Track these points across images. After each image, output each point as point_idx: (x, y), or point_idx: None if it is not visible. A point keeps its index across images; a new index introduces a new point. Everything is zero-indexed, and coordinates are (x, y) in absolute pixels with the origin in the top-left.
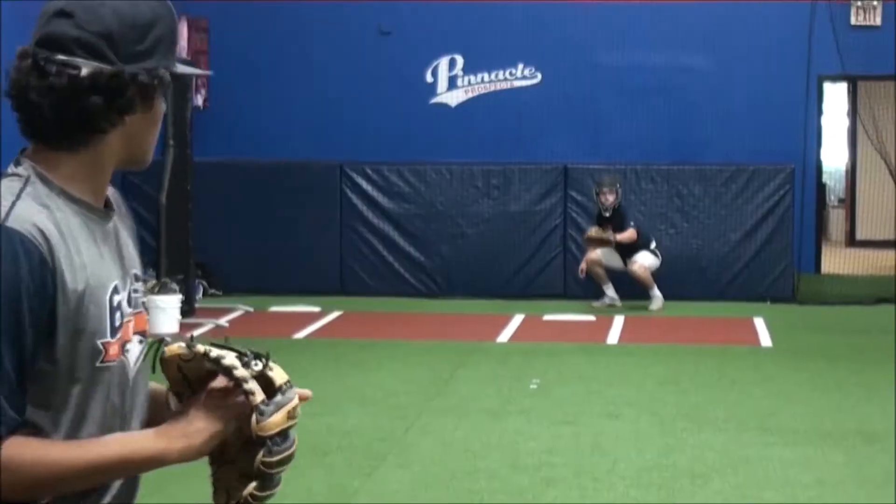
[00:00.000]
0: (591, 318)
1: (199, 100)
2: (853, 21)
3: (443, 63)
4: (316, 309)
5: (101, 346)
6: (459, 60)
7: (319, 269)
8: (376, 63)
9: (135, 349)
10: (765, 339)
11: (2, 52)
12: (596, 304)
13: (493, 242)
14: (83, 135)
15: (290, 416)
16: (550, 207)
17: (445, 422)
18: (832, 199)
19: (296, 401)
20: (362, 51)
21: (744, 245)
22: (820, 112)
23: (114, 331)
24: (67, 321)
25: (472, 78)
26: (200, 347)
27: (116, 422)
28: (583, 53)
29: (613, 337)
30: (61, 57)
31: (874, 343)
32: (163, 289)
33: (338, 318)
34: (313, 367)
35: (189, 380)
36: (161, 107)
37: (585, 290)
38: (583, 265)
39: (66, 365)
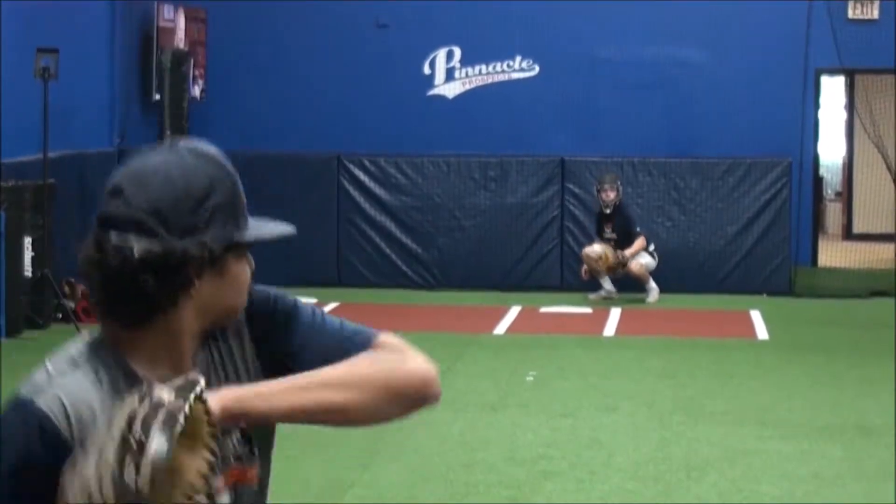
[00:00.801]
0: (588, 310)
1: (196, 91)
2: (850, 15)
3: (440, 55)
4: (313, 300)
5: None
6: (457, 52)
7: (317, 261)
8: (374, 55)
9: None
10: (761, 333)
11: (2, 51)
12: (592, 296)
13: (490, 235)
14: (148, 314)
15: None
16: (547, 200)
17: (442, 414)
18: (829, 192)
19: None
20: (360, 43)
21: (741, 238)
22: (817, 106)
23: None
24: None
25: (470, 70)
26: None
27: None
28: (580, 46)
29: (610, 329)
30: (114, 237)
31: (871, 336)
32: None
33: (335, 309)
34: None
35: None
36: (240, 272)
37: (582, 282)
38: (584, 267)
39: None
